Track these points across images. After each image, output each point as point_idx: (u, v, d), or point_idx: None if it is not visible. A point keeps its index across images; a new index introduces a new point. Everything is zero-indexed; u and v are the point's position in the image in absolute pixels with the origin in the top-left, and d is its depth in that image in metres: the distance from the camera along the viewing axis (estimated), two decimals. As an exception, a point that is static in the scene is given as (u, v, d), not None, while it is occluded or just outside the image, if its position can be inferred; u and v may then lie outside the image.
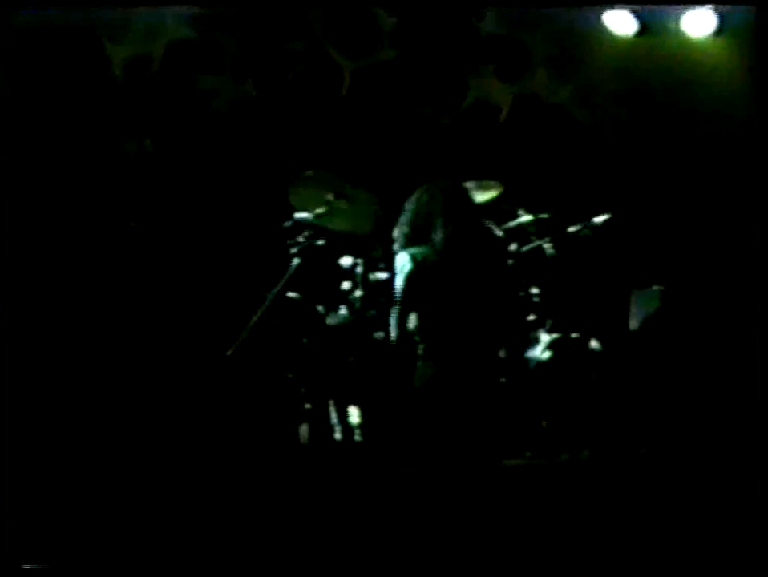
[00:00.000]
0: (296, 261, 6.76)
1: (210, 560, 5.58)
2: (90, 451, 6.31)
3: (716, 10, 7.65)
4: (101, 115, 7.50)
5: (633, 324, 7.09)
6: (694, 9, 7.69)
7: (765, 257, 6.13)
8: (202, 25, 7.57)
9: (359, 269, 6.93)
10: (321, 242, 6.82)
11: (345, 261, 6.99)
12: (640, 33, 7.80)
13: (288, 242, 6.84)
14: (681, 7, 7.70)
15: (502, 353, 6.08)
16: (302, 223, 6.90)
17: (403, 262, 5.85)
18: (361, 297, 6.89)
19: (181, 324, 7.31)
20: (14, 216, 6.84)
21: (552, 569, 5.57)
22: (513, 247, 7.01)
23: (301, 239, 6.86)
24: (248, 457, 6.43)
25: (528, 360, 6.82)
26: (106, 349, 7.18)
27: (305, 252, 6.79)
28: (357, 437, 6.64)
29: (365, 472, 6.38)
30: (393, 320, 5.90)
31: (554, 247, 7.00)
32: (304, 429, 6.67)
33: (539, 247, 6.99)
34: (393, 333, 5.93)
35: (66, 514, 5.74)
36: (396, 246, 6.01)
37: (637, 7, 7.69)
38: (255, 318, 6.57)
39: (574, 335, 6.86)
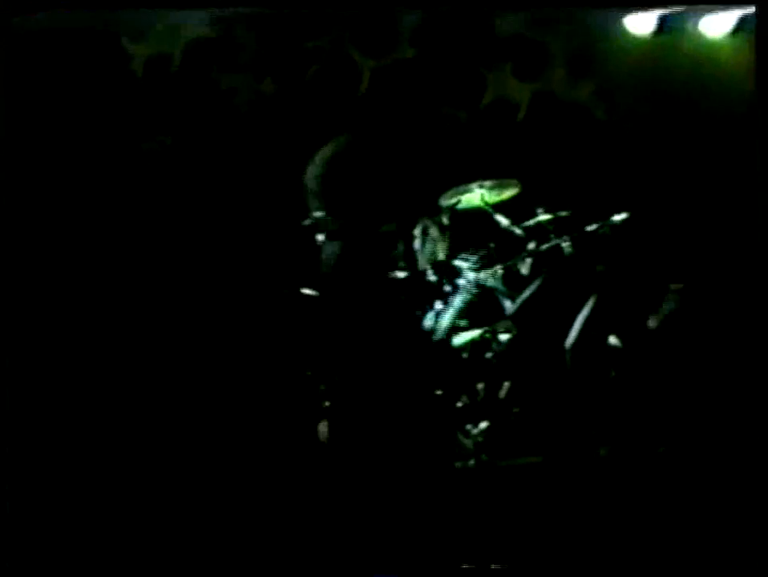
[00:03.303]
0: None
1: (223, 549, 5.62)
2: (95, 449, 6.36)
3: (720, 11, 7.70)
4: (121, 113, 7.51)
5: (653, 322, 7.09)
6: (698, 10, 7.73)
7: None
8: (221, 23, 7.59)
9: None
10: None
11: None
12: (658, 32, 7.82)
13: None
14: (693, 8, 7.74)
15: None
16: (321, 220, 6.91)
17: None
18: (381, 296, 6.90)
19: (199, 319, 7.32)
20: (30, 212, 6.91)
21: (570, 567, 5.57)
22: (531, 246, 7.04)
23: (320, 237, 6.87)
24: (266, 456, 6.45)
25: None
26: (127, 343, 7.20)
27: None
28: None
29: (385, 470, 6.39)
30: None
31: (572, 246, 7.01)
32: (323, 427, 6.67)
33: (558, 245, 7.00)
34: None
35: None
36: None
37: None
38: None
39: (594, 332, 6.88)
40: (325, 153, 5.23)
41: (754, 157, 7.51)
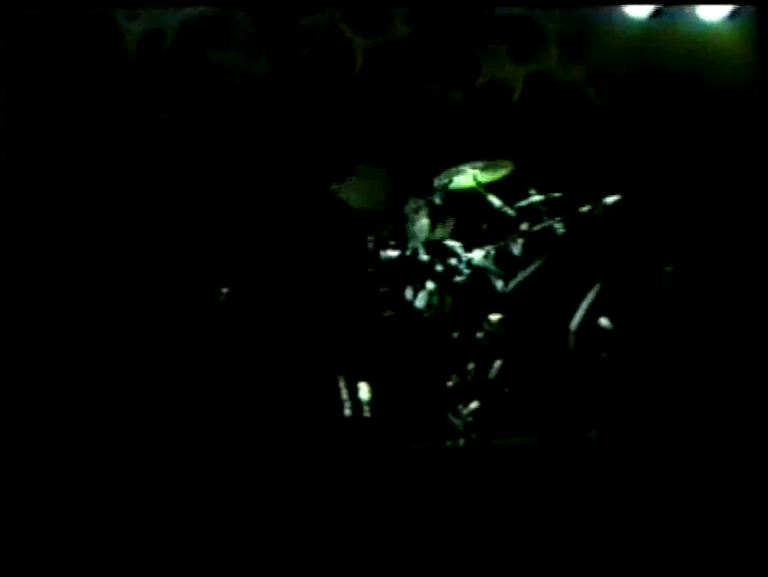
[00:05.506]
0: None
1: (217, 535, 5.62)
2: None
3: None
4: (115, 91, 7.50)
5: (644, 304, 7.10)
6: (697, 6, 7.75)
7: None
8: (216, 1, 7.57)
9: (370, 246, 6.95)
10: None
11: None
12: (655, 15, 7.81)
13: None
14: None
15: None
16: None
17: None
18: (372, 274, 6.91)
19: (195, 301, 7.33)
20: (27, 194, 6.92)
21: (559, 545, 5.58)
22: (524, 226, 7.03)
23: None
24: (260, 434, 6.47)
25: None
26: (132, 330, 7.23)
27: None
28: (366, 414, 6.66)
29: (374, 447, 6.41)
30: None
31: (565, 227, 7.00)
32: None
33: (551, 226, 6.99)
34: None
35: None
36: None
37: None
38: None
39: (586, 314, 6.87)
40: None
41: (748, 140, 7.53)
